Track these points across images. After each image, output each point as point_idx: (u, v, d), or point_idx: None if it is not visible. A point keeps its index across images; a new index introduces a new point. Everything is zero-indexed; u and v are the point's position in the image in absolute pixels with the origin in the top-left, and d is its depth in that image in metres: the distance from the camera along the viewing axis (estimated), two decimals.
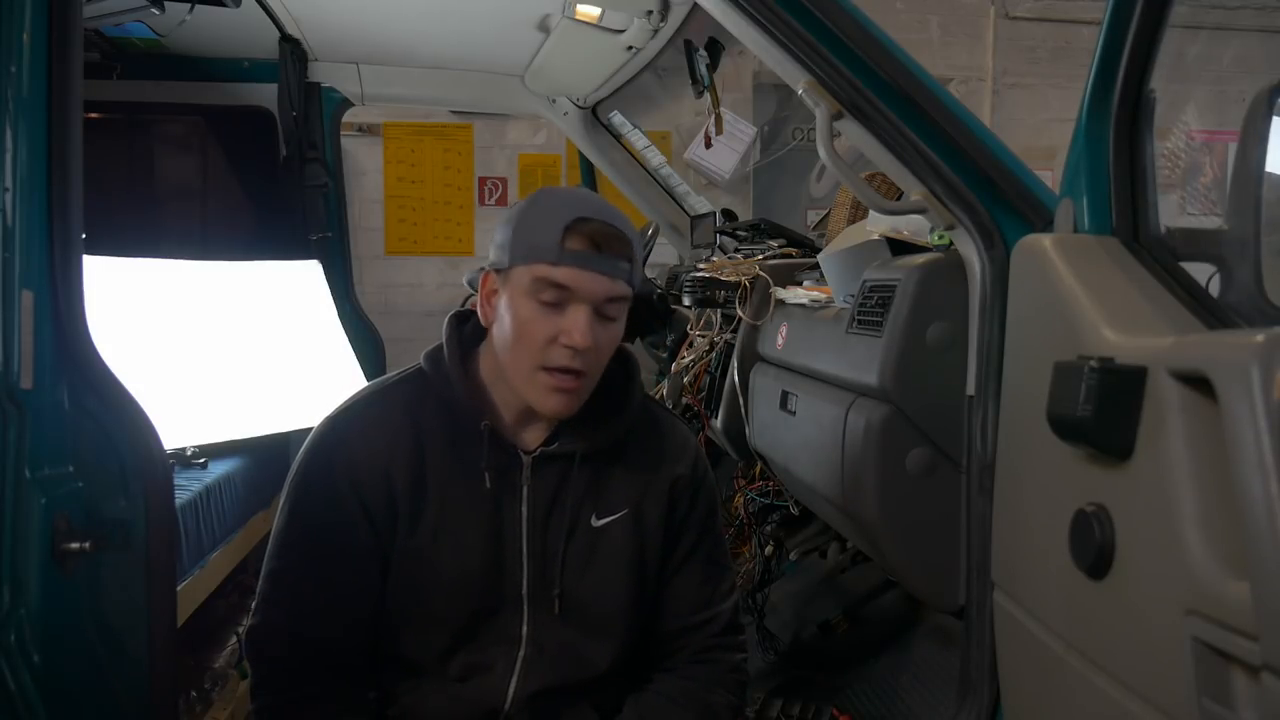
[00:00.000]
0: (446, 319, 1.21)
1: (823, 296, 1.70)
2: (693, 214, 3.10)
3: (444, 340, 1.18)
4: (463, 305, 1.30)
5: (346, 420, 1.16)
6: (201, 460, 2.04)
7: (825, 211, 2.47)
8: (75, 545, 0.98)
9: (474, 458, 1.14)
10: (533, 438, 1.18)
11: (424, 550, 1.13)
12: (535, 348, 1.09)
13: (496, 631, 1.16)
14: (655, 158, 3.16)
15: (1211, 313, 0.90)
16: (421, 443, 1.14)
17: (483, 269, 1.16)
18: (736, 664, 1.25)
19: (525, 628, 1.16)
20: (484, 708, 1.15)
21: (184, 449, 2.04)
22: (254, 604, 1.16)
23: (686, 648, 1.23)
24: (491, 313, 1.14)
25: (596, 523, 1.18)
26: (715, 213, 2.92)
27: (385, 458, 1.12)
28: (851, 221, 1.94)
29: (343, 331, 2.68)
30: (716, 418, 2.05)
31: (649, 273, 2.59)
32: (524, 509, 1.15)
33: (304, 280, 2.69)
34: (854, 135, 1.26)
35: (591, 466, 1.18)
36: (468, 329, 1.21)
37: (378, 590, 1.15)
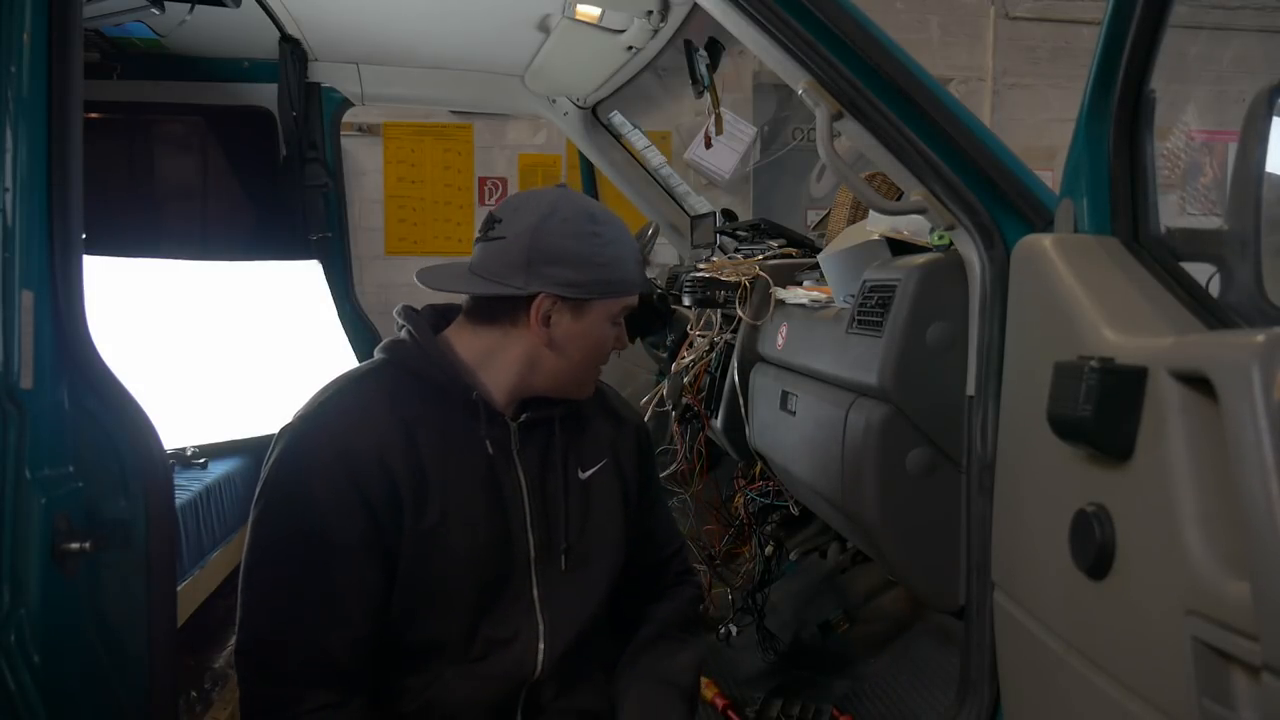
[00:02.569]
0: (402, 311, 1.23)
1: (823, 296, 1.69)
2: (693, 214, 3.10)
3: (413, 327, 1.19)
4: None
5: (327, 415, 1.14)
6: (201, 460, 2.04)
7: (825, 211, 2.46)
8: (75, 545, 0.98)
9: (465, 432, 1.16)
10: (510, 409, 1.21)
11: (435, 531, 1.13)
12: (603, 359, 1.24)
13: (510, 599, 1.18)
14: (655, 158, 3.16)
15: (1211, 313, 0.90)
16: (409, 428, 1.14)
17: (494, 289, 1.15)
18: (700, 597, 1.44)
19: (536, 590, 1.19)
20: (513, 681, 1.17)
21: (184, 449, 2.04)
22: (239, 618, 1.11)
23: (666, 576, 1.39)
24: (546, 334, 1.16)
25: (583, 475, 1.25)
26: (715, 213, 2.92)
27: (378, 447, 1.11)
28: (851, 221, 1.94)
29: (343, 331, 2.68)
30: (716, 418, 2.05)
31: (649, 273, 2.59)
32: (520, 473, 1.19)
33: (304, 280, 2.69)
34: (854, 135, 1.26)
35: (565, 427, 1.24)
36: (429, 317, 1.24)
37: (377, 588, 1.13)
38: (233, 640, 1.14)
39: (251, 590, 1.11)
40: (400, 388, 1.17)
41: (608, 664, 1.30)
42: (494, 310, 1.19)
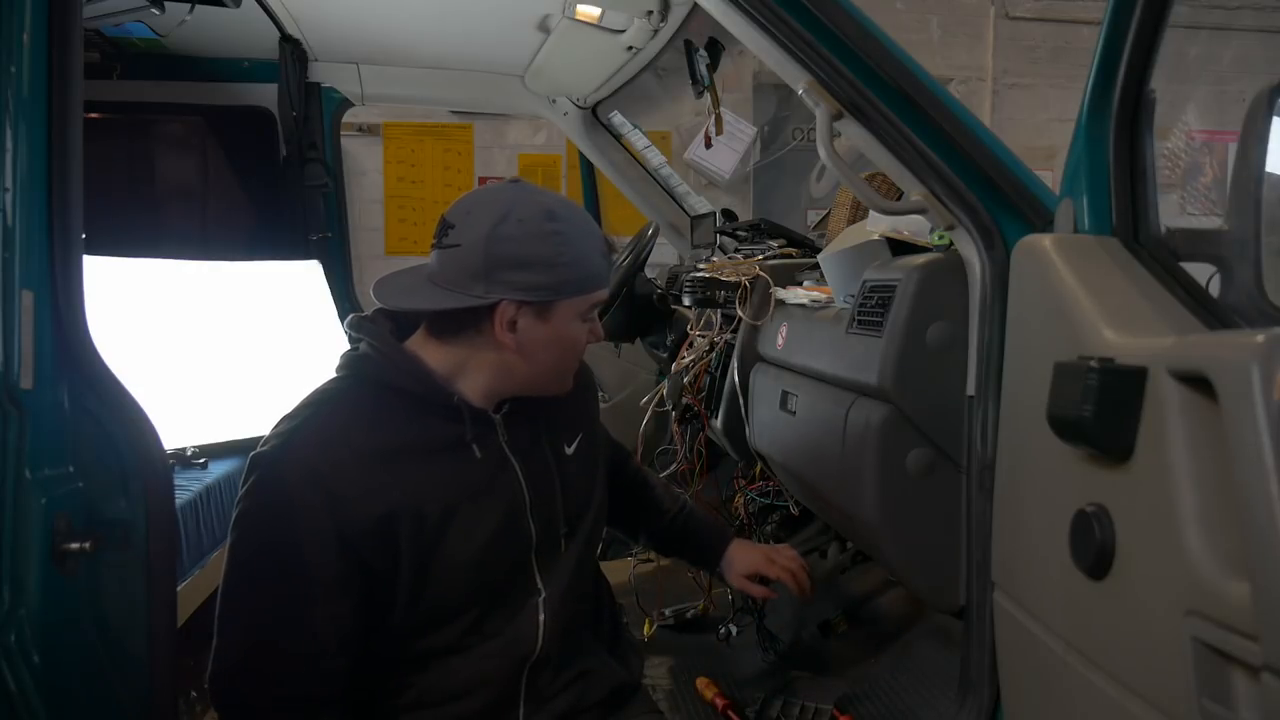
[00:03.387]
0: (355, 323, 1.18)
1: (823, 296, 1.69)
2: (693, 214, 3.10)
3: (376, 340, 1.14)
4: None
5: (303, 443, 1.08)
6: (201, 460, 2.04)
7: (825, 211, 2.46)
8: (75, 545, 0.98)
9: (453, 441, 1.13)
10: (490, 406, 1.19)
11: (437, 549, 1.10)
12: (578, 356, 1.22)
13: (514, 590, 1.18)
14: (655, 158, 3.16)
15: (1211, 313, 0.90)
16: (393, 450, 1.10)
17: (447, 299, 1.11)
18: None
19: (538, 577, 1.19)
20: (514, 660, 1.17)
21: (184, 449, 2.04)
22: (214, 647, 1.08)
23: (634, 481, 1.55)
24: (513, 341, 1.12)
25: (569, 451, 1.27)
26: (715, 213, 2.92)
27: (360, 477, 1.07)
28: (851, 221, 1.94)
29: (343, 332, 2.68)
30: (716, 418, 2.05)
31: (649, 273, 2.59)
32: (516, 467, 1.18)
33: (304, 280, 2.69)
34: (854, 135, 1.26)
35: (544, 408, 1.24)
36: (386, 326, 1.19)
37: (352, 619, 1.09)
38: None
39: (225, 621, 1.09)
40: (376, 406, 1.12)
41: (597, 622, 1.34)
42: (458, 321, 1.13)
